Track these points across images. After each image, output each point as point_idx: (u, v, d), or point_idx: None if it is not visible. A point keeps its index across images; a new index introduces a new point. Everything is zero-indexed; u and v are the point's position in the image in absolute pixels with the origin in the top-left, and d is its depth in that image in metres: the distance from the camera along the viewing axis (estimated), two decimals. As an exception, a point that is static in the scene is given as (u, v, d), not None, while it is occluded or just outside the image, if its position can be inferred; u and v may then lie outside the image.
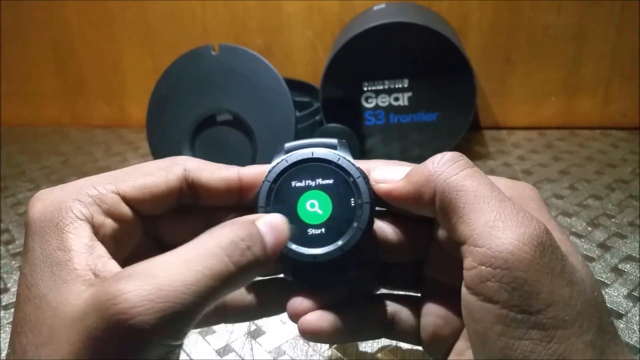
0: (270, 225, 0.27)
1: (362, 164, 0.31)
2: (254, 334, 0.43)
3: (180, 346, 0.24)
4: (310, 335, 0.31)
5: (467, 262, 0.23)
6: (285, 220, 0.28)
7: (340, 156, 0.31)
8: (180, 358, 0.40)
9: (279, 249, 0.27)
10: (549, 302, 0.22)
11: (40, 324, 0.24)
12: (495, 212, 0.23)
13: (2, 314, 0.47)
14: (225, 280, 0.24)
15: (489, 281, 0.22)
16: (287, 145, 0.31)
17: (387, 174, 0.29)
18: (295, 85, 0.72)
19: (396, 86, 0.67)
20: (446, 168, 0.26)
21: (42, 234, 0.26)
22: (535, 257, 0.22)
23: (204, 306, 0.23)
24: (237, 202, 0.31)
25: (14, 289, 0.50)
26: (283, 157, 0.31)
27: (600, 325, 0.23)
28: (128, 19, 0.83)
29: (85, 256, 0.25)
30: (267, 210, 0.30)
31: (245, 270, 0.25)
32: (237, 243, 0.25)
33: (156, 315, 0.21)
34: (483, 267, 0.22)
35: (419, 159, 0.72)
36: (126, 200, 0.28)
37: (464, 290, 0.24)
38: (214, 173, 0.30)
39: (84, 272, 0.24)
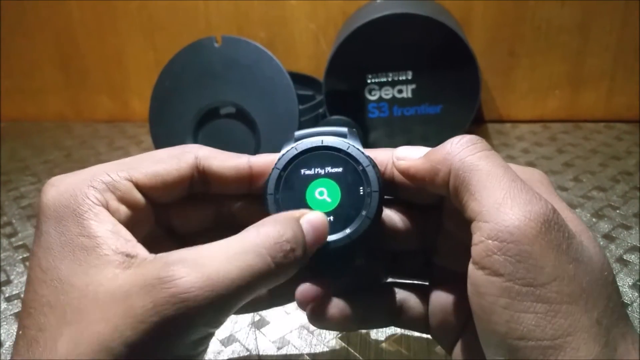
0: (313, 224, 0.28)
1: (371, 151, 0.31)
2: (258, 324, 0.43)
3: (214, 333, 0.25)
4: (318, 322, 0.31)
5: (476, 237, 0.24)
6: (325, 218, 0.29)
7: (350, 144, 0.31)
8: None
9: (316, 247, 0.28)
10: (553, 277, 0.22)
11: (62, 305, 0.24)
12: (505, 190, 0.24)
13: (5, 306, 0.47)
14: (266, 278, 0.25)
15: (495, 254, 0.23)
16: (297, 133, 0.32)
17: (408, 153, 0.30)
18: (298, 79, 0.72)
19: (400, 78, 0.66)
20: (463, 149, 0.26)
21: (58, 219, 0.26)
22: (541, 232, 0.22)
23: (243, 299, 0.25)
24: (247, 190, 0.31)
25: (16, 281, 0.50)
26: (293, 145, 0.31)
27: (608, 304, 0.23)
28: (131, 13, 0.83)
29: (113, 241, 0.26)
30: (276, 197, 0.30)
31: (285, 269, 0.26)
32: (282, 245, 0.26)
33: (203, 302, 0.23)
34: (490, 241, 0.23)
35: (422, 150, 0.71)
36: (139, 187, 0.28)
37: (470, 267, 0.24)
38: (225, 161, 0.31)
39: (114, 256, 0.25)
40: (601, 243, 0.51)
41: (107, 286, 0.24)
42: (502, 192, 0.24)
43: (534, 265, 0.22)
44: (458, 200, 0.26)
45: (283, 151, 0.31)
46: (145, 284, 0.23)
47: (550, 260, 0.22)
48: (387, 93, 0.67)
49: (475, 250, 0.24)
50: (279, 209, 0.30)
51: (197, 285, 0.23)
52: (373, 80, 0.67)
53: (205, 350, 0.26)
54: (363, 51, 0.65)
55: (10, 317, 0.46)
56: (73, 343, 0.23)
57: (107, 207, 0.27)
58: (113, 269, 0.25)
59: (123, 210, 0.28)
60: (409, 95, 0.67)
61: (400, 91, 0.67)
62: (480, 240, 0.23)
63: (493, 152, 0.26)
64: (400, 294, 0.33)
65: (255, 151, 0.63)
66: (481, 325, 0.24)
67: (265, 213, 0.30)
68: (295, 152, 0.31)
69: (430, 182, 0.28)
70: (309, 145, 0.31)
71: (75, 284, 0.25)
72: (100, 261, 0.25)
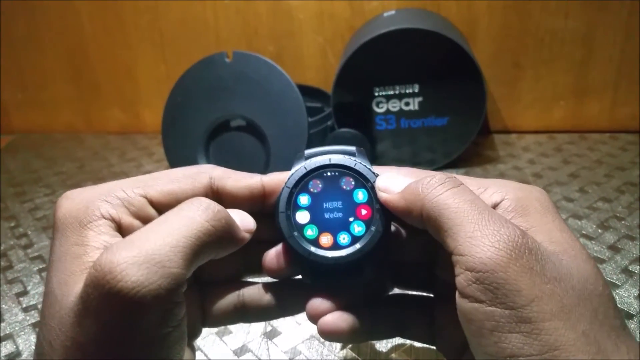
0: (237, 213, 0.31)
1: (378, 170, 0.32)
2: (270, 335, 0.44)
3: (178, 326, 0.25)
4: (329, 335, 0.31)
5: (456, 270, 0.25)
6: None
7: (357, 162, 0.32)
8: (197, 358, 0.41)
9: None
10: (531, 298, 0.23)
11: (51, 319, 0.25)
12: (474, 223, 0.25)
13: (22, 316, 0.48)
14: (205, 238, 0.26)
15: (474, 283, 0.24)
16: (307, 152, 0.33)
17: (389, 184, 0.31)
18: (307, 91, 0.73)
19: (407, 91, 0.67)
20: (432, 189, 0.27)
21: (64, 231, 0.27)
22: (512, 259, 0.24)
23: (191, 263, 0.26)
24: (260, 209, 0.32)
25: (33, 292, 0.52)
26: (302, 163, 0.32)
27: (596, 316, 0.24)
28: (142, 27, 0.84)
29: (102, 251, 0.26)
30: (288, 214, 0.31)
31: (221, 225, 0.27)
32: (209, 205, 0.27)
33: (150, 279, 0.23)
34: (468, 272, 0.24)
35: (429, 163, 0.73)
36: (153, 204, 0.29)
37: (456, 295, 0.26)
38: (239, 181, 0.32)
39: None
40: (606, 254, 0.52)
41: (75, 295, 0.25)
42: (471, 225, 0.25)
43: (510, 290, 0.23)
44: (436, 236, 0.27)
45: (293, 170, 0.32)
46: (92, 279, 0.23)
47: (525, 283, 0.23)
48: (394, 105, 0.68)
49: (458, 281, 0.25)
50: (290, 226, 0.31)
51: (140, 264, 0.23)
52: (380, 93, 0.68)
53: (178, 329, 0.26)
54: (370, 65, 0.66)
55: (28, 327, 0.47)
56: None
57: (119, 222, 0.28)
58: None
59: (137, 225, 0.28)
60: (416, 107, 0.68)
61: (407, 104, 0.68)
62: (460, 272, 0.25)
63: (461, 188, 0.27)
64: (406, 307, 0.34)
65: (265, 163, 0.64)
66: (474, 349, 0.25)
67: (276, 230, 0.31)
68: (305, 170, 0.32)
69: (408, 218, 0.29)
70: (318, 164, 0.32)
71: (57, 296, 0.25)
72: (80, 268, 0.25)
